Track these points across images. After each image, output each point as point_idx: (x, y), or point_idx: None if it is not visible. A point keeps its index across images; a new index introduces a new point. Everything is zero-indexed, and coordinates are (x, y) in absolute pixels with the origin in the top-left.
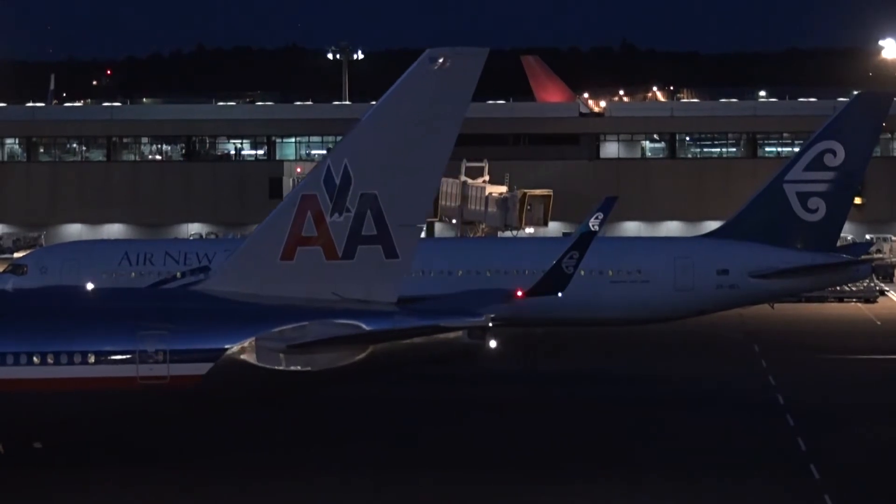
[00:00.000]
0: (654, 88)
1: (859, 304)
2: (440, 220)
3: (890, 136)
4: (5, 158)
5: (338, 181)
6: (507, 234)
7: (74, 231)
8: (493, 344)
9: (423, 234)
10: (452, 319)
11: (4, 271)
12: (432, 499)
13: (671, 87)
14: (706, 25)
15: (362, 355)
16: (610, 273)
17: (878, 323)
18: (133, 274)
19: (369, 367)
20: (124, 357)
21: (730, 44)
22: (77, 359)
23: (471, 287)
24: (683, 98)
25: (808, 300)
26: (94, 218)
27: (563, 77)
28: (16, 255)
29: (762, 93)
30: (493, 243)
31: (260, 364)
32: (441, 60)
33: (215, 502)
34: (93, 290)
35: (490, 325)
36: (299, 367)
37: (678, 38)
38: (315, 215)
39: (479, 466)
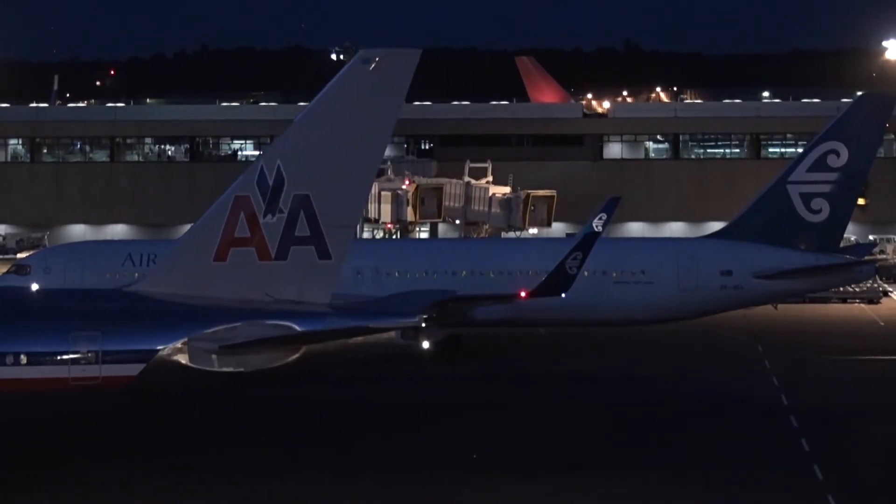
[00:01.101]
0: (658, 89)
1: (862, 305)
2: (444, 221)
3: (893, 136)
4: (9, 159)
5: (271, 182)
6: (511, 234)
7: (78, 232)
8: (425, 344)
9: (426, 235)
10: (385, 320)
11: (8, 272)
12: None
13: (675, 88)
14: (710, 26)
15: (295, 356)
16: (613, 274)
17: (882, 324)
18: (136, 274)
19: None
20: (56, 358)
21: (733, 44)
22: (9, 360)
23: (474, 288)
24: (687, 99)
25: (812, 301)
26: (98, 218)
27: (567, 78)
28: (19, 255)
29: (766, 93)
30: (496, 244)
31: (192, 365)
32: (374, 61)
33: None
34: (27, 291)
35: (422, 325)
36: (232, 369)
37: (682, 38)
38: (248, 216)
39: (482, 467)
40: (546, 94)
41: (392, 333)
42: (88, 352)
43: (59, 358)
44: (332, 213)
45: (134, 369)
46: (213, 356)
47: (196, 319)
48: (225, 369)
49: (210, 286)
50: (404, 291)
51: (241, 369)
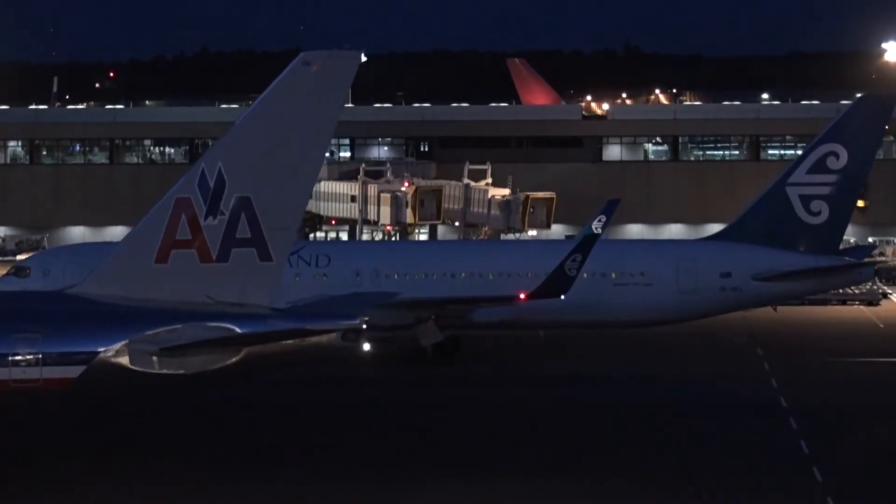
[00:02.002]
0: (657, 91)
1: (862, 307)
2: (443, 223)
3: (893, 138)
4: (8, 161)
5: (212, 184)
6: (510, 236)
7: (78, 233)
8: (366, 347)
9: (426, 237)
10: (326, 322)
11: (7, 274)
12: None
13: (674, 90)
14: (709, 28)
15: (235, 358)
16: (613, 276)
17: (881, 326)
18: None
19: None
20: None
21: (733, 46)
22: None
23: (473, 290)
24: (686, 101)
25: (811, 303)
26: (98, 220)
27: (567, 80)
28: (19, 257)
29: (765, 95)
30: (495, 246)
31: (133, 367)
32: (315, 63)
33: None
34: None
35: (364, 327)
36: (172, 371)
37: (681, 40)
38: (189, 218)
39: (485, 468)
40: (537, 96)
41: (333, 336)
42: (29, 354)
43: None
44: (274, 215)
45: (74, 371)
46: (154, 358)
47: (137, 321)
48: (165, 371)
49: (151, 288)
50: (346, 293)
51: (182, 371)
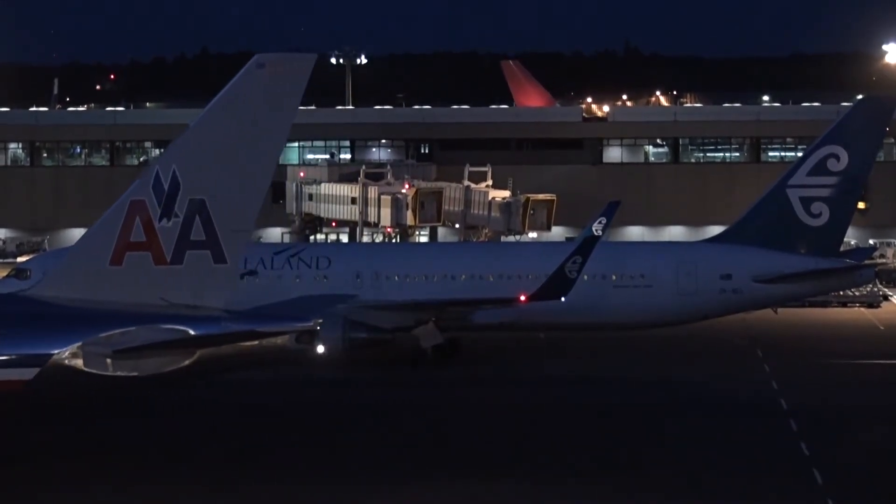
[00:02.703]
0: (658, 93)
1: (862, 309)
2: (443, 225)
3: (893, 140)
4: (8, 163)
5: (166, 187)
6: (511, 238)
7: (78, 235)
8: (320, 349)
9: (426, 239)
10: (280, 324)
11: (8, 276)
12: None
13: (675, 92)
14: (709, 30)
15: (189, 360)
16: (613, 278)
17: (882, 328)
18: None
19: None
20: None
21: (733, 48)
22: None
23: (474, 292)
24: (687, 102)
25: (812, 305)
26: None
27: (567, 81)
28: (19, 259)
29: (766, 97)
30: (495, 248)
31: (87, 369)
32: (269, 66)
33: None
34: None
35: (317, 329)
36: (126, 373)
37: (682, 42)
38: (144, 221)
39: (485, 469)
40: (532, 98)
41: (287, 337)
42: None
43: None
44: (228, 217)
45: (28, 373)
46: (108, 360)
47: (91, 323)
48: (119, 373)
49: (106, 290)
50: (306, 295)
51: (136, 373)
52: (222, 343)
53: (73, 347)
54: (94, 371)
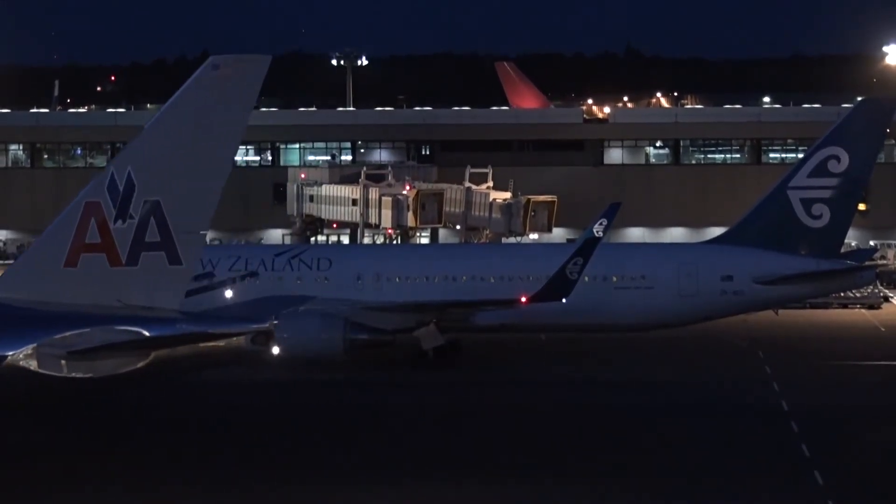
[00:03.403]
0: (659, 94)
1: (863, 311)
2: (444, 227)
3: (894, 142)
4: (9, 164)
5: (121, 188)
6: (512, 240)
7: None
8: (275, 350)
9: (427, 240)
10: (235, 326)
11: None
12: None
13: (675, 94)
14: (710, 31)
15: (144, 362)
16: (614, 279)
17: (882, 329)
18: None
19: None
20: None
21: (734, 50)
22: None
23: (475, 294)
24: (688, 104)
25: (813, 306)
26: None
27: (568, 83)
28: None
29: (766, 99)
30: (496, 249)
31: (41, 371)
32: (224, 67)
33: None
34: None
35: (273, 330)
36: (81, 374)
37: (682, 44)
38: (99, 222)
39: (485, 470)
40: (526, 100)
41: (243, 339)
42: None
43: None
44: (183, 219)
45: None
46: (63, 362)
47: (45, 325)
48: (74, 375)
49: (61, 292)
50: (264, 297)
51: (90, 375)
52: (177, 344)
53: (28, 349)
54: (48, 372)
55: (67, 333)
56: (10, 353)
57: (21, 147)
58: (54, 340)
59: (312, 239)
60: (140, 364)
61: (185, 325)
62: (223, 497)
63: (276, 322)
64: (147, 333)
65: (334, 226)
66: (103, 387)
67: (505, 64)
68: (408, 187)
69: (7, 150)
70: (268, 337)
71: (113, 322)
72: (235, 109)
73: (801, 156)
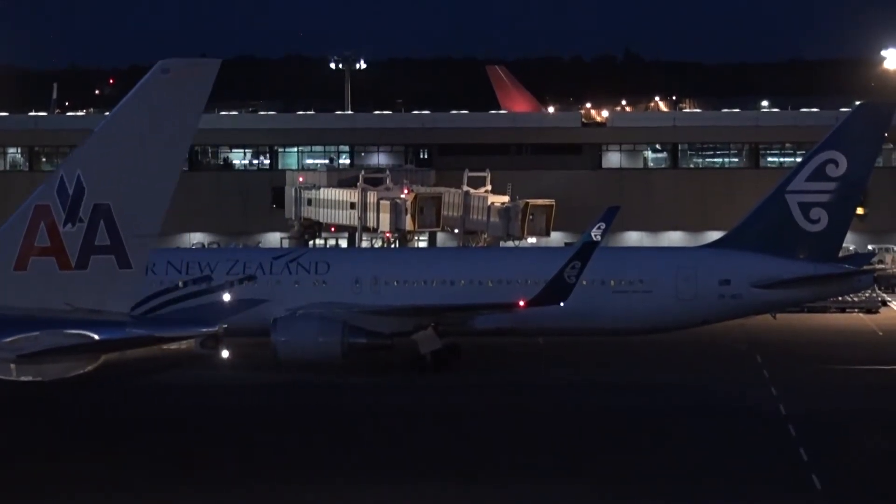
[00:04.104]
0: (657, 98)
1: (861, 315)
2: (442, 230)
3: (892, 146)
4: (7, 168)
5: (71, 191)
6: (510, 243)
7: None
8: (224, 354)
9: (425, 244)
10: (184, 329)
11: None
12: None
13: (673, 97)
14: (708, 35)
15: (93, 365)
16: (612, 283)
17: (880, 333)
18: None
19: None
20: None
21: (732, 54)
22: None
23: (473, 297)
24: (686, 108)
25: (810, 310)
26: None
27: (566, 87)
28: None
29: (764, 103)
30: (494, 253)
31: None
32: (174, 71)
33: None
34: None
35: (222, 334)
36: (30, 378)
37: (680, 47)
38: (48, 225)
39: (483, 473)
40: (517, 104)
41: (192, 342)
42: None
43: None
44: (133, 222)
45: None
46: (12, 365)
47: None
48: (23, 378)
49: (10, 295)
50: (224, 299)
51: (40, 378)
52: (126, 348)
53: None
54: None
55: (16, 337)
56: None
57: (19, 150)
58: (3, 344)
59: (310, 242)
60: (89, 368)
61: (135, 329)
62: (219, 497)
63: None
64: (96, 337)
65: (332, 229)
66: (51, 390)
67: (497, 67)
68: (406, 191)
69: (6, 154)
70: (217, 340)
71: (62, 326)
72: (185, 113)
73: (799, 160)
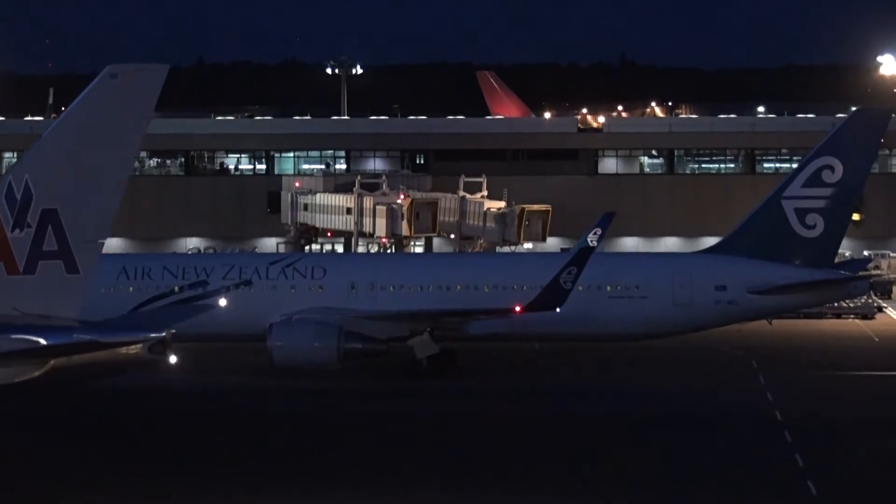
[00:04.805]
0: (653, 104)
1: (857, 321)
2: (438, 236)
3: (888, 152)
4: (3, 173)
5: (19, 196)
6: (506, 249)
7: None
8: (172, 359)
9: (421, 249)
10: (131, 334)
11: None
12: None
13: (670, 103)
14: (705, 41)
15: (41, 371)
16: (608, 288)
17: (876, 339)
18: (131, 288)
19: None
20: None
21: (728, 59)
22: None
23: (469, 303)
24: (682, 114)
25: (807, 316)
26: None
27: (562, 92)
28: None
29: (760, 108)
30: (490, 258)
31: None
32: (122, 76)
33: None
34: None
35: (170, 339)
36: None
37: (677, 53)
38: None
39: (481, 479)
40: (507, 109)
41: (140, 347)
42: None
43: None
44: (80, 228)
45: None
46: None
47: None
48: None
49: None
50: (174, 303)
51: None
52: (73, 353)
53: None
54: None
55: None
56: None
57: (15, 155)
58: None
59: (306, 248)
60: (37, 373)
61: (82, 334)
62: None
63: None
64: (43, 342)
65: (328, 234)
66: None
67: (486, 73)
68: (402, 196)
69: (2, 159)
70: (165, 345)
71: (9, 330)
72: (133, 118)
73: (795, 166)
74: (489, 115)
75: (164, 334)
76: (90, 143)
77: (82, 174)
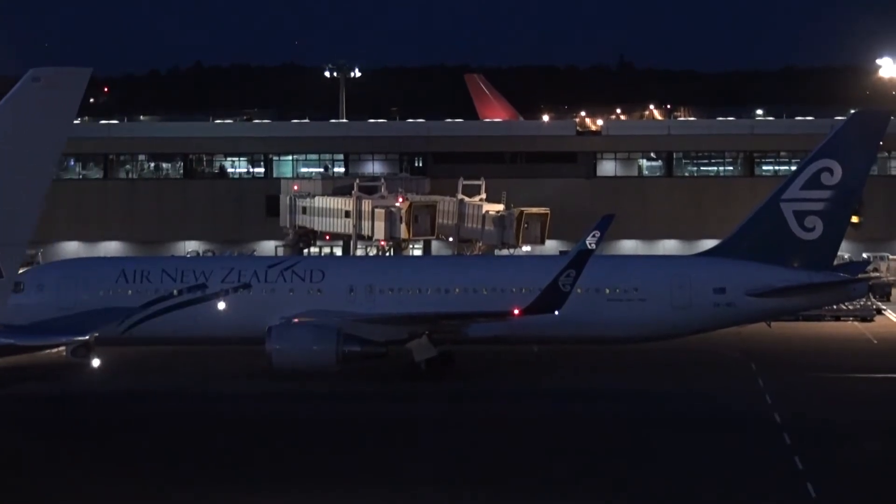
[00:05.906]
0: (652, 107)
1: (856, 323)
2: (437, 239)
3: (887, 154)
4: None
5: None
6: (504, 252)
7: (71, 248)
8: (95, 362)
9: (420, 252)
10: (53, 338)
11: None
12: None
13: (668, 106)
14: (703, 44)
15: None
16: (607, 291)
17: (875, 342)
18: (130, 291)
19: None
20: None
21: (727, 62)
22: None
23: (467, 306)
24: (680, 116)
25: (805, 319)
26: (92, 235)
27: (561, 95)
28: None
29: (759, 111)
30: (489, 261)
31: None
32: (44, 80)
33: None
34: None
35: (93, 342)
36: None
37: (675, 56)
38: None
39: (481, 482)
40: (495, 112)
41: (64, 350)
42: None
43: None
44: (3, 231)
45: None
46: None
47: None
48: None
49: None
50: (98, 308)
51: None
52: None
53: None
54: None
55: None
56: None
57: None
58: None
59: (305, 251)
60: None
61: (1, 338)
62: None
63: (96, 334)
64: None
65: (327, 238)
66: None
67: (475, 76)
68: (401, 199)
69: None
70: (88, 349)
71: None
72: (56, 121)
73: (794, 168)
74: (478, 118)
75: (86, 337)
76: (12, 147)
77: (4, 177)
